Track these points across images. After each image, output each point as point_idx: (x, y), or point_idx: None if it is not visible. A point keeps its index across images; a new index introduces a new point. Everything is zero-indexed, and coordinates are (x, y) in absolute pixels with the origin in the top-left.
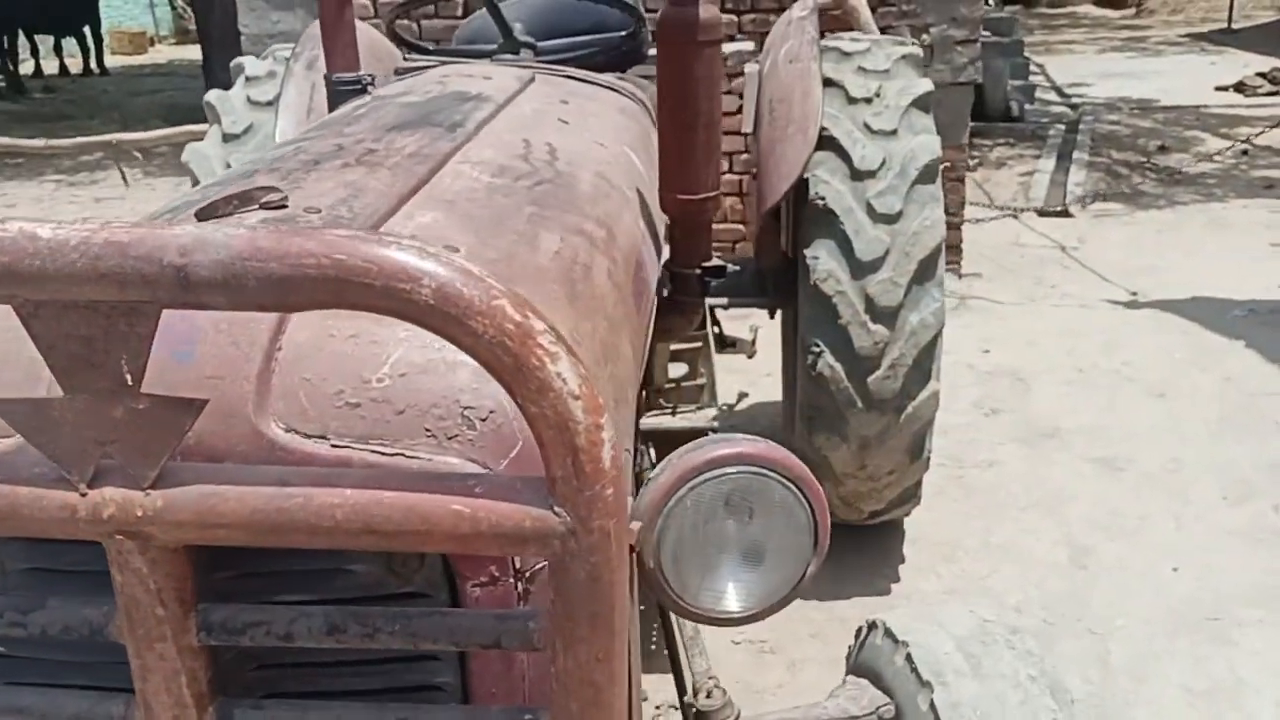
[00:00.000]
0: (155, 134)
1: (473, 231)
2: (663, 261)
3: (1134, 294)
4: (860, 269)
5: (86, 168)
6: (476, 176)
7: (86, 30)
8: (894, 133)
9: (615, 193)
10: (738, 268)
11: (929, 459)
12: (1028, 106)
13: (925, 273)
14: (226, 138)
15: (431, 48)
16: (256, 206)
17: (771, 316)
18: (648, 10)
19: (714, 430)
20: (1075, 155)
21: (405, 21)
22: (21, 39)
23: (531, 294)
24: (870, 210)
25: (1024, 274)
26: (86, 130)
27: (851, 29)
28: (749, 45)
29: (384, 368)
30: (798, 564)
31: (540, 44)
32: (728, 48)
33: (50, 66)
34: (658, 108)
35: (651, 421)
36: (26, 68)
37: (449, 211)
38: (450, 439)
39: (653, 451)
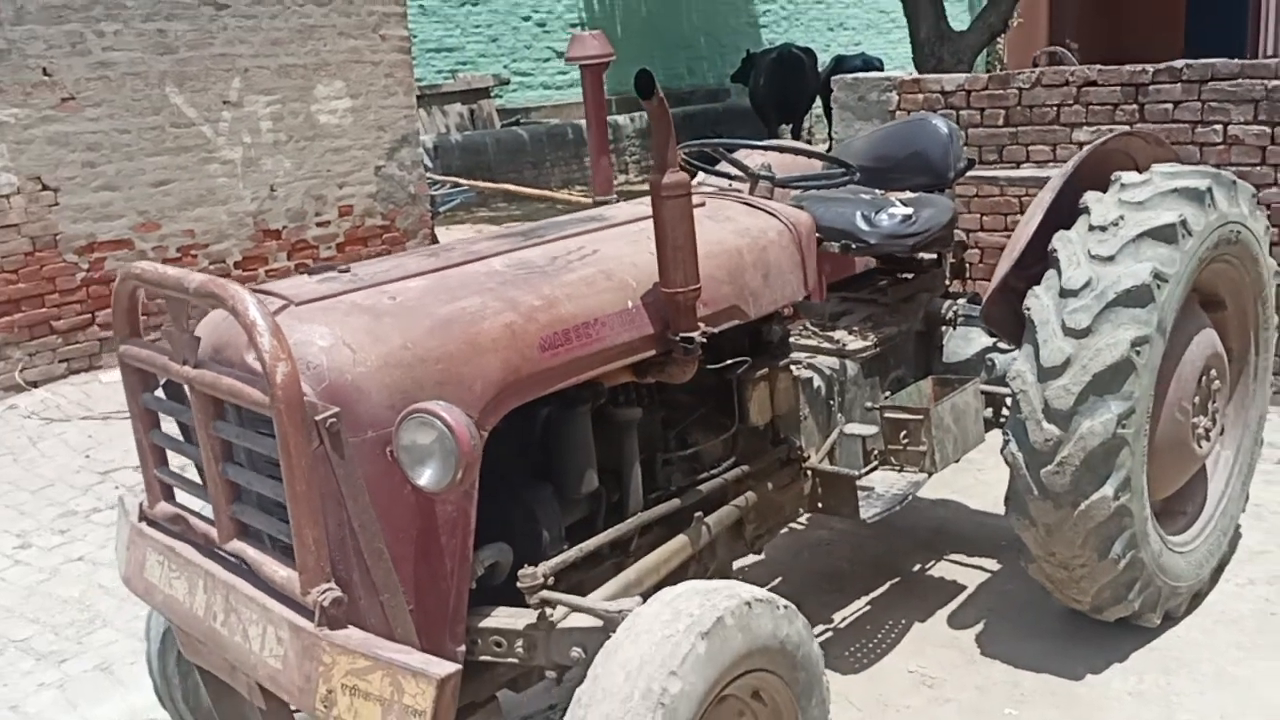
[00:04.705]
0: None
1: (429, 291)
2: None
3: None
4: (1044, 374)
5: None
6: (491, 265)
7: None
8: (1111, 259)
9: (603, 281)
10: (704, 340)
11: (1125, 565)
12: None
13: (1103, 386)
14: None
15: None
16: (334, 272)
17: None
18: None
19: (857, 480)
20: None
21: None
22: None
23: (406, 318)
24: (1063, 324)
25: None
26: None
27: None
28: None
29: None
30: (450, 461)
31: (778, 177)
32: (1037, 173)
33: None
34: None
35: (822, 466)
36: None
37: (432, 281)
38: (303, 373)
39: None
